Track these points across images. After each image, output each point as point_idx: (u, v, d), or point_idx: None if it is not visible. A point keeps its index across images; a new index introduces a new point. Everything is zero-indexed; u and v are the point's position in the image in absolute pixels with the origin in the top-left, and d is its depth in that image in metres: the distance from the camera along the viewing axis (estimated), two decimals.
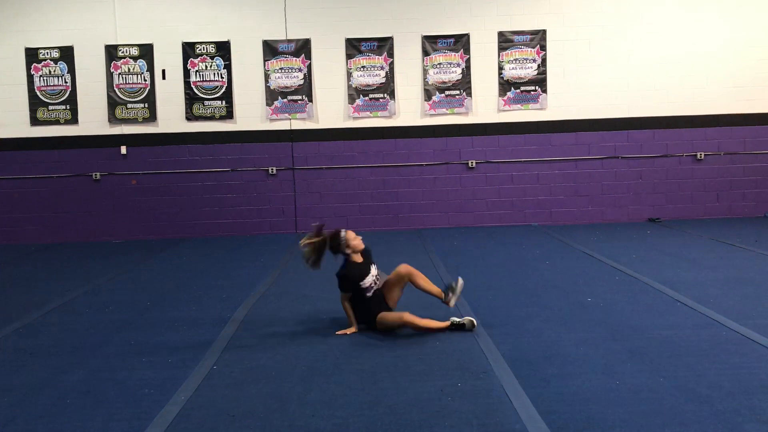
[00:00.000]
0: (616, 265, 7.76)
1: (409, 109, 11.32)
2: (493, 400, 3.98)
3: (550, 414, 3.76)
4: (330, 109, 11.26)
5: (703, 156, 11.44)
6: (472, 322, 5.37)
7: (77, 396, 4.26)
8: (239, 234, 11.33)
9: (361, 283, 5.42)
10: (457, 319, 5.42)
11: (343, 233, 5.52)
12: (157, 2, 11.09)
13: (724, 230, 10.12)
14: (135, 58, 11.13)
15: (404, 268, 5.57)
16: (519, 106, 11.32)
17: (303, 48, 11.16)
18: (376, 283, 5.52)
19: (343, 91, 11.26)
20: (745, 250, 8.53)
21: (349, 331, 5.42)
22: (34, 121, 11.15)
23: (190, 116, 11.21)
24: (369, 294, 5.46)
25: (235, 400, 4.10)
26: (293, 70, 11.19)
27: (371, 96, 11.24)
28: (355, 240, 5.53)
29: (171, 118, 11.24)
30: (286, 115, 11.23)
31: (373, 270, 5.54)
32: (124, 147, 11.22)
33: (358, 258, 5.56)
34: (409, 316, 5.27)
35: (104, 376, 4.60)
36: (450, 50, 11.22)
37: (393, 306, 5.61)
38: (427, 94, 11.26)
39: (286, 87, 11.21)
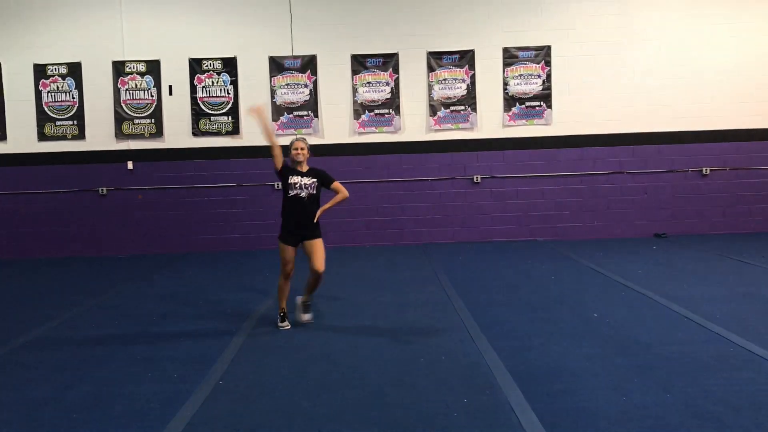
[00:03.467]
0: (622, 281, 7.74)
1: (414, 124, 11.36)
2: (499, 416, 3.97)
3: (557, 430, 3.74)
4: (336, 125, 11.30)
5: (708, 171, 11.43)
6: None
7: (83, 410, 4.26)
8: (245, 249, 11.35)
9: (290, 177, 6.00)
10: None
11: (294, 139, 6.19)
12: (164, 19, 11.19)
13: (731, 245, 10.09)
14: (142, 74, 11.21)
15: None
16: (524, 121, 11.34)
17: (309, 64, 11.23)
18: (301, 189, 5.98)
19: (348, 107, 11.31)
20: (752, 265, 8.50)
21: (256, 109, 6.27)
22: (42, 136, 11.22)
23: (197, 132, 11.26)
24: (290, 193, 5.99)
25: (240, 415, 4.10)
26: (299, 86, 11.26)
27: (377, 112, 11.28)
28: (295, 151, 6.08)
29: (177, 134, 11.30)
30: (292, 130, 11.27)
31: (306, 180, 6.02)
32: (131, 162, 11.28)
33: (302, 167, 6.10)
34: (281, 274, 6.13)
35: (110, 391, 4.60)
36: (455, 66, 11.27)
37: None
38: (433, 110, 11.30)
39: (292, 103, 11.26)
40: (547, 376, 4.61)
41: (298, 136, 6.19)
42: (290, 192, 6.00)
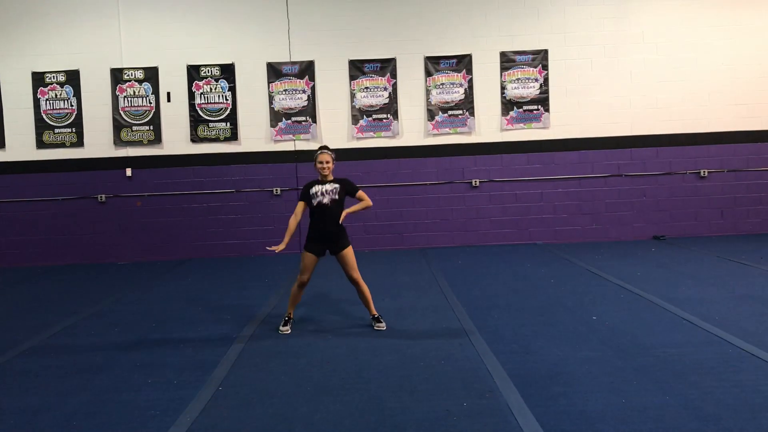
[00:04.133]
0: (621, 283, 7.75)
1: (412, 129, 11.38)
2: (499, 420, 3.98)
3: None
4: (334, 130, 11.32)
5: (706, 173, 11.46)
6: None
7: (83, 418, 4.27)
8: (244, 255, 11.35)
9: (311, 190, 6.03)
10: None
11: (319, 151, 6.10)
12: (162, 26, 11.22)
13: (729, 247, 10.11)
14: (140, 81, 11.23)
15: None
16: (522, 125, 11.36)
17: (307, 70, 11.25)
18: (323, 195, 6.01)
19: (346, 112, 11.33)
20: (751, 267, 8.51)
21: (276, 247, 5.99)
22: (41, 144, 11.24)
23: (195, 138, 11.28)
24: (314, 202, 6.02)
25: (241, 422, 4.10)
26: (297, 92, 11.28)
27: (375, 116, 11.30)
28: (320, 164, 6.06)
29: (176, 140, 11.31)
30: (290, 136, 11.30)
31: (327, 186, 6.05)
32: (130, 169, 11.29)
33: (325, 178, 6.12)
34: (297, 281, 6.14)
35: (110, 398, 4.60)
36: (452, 71, 11.30)
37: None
38: (431, 114, 11.32)
39: (290, 108, 11.28)
40: (547, 379, 4.62)
41: (323, 148, 6.16)
42: (314, 201, 6.03)
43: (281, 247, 5.98)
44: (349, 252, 6.12)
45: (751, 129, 11.42)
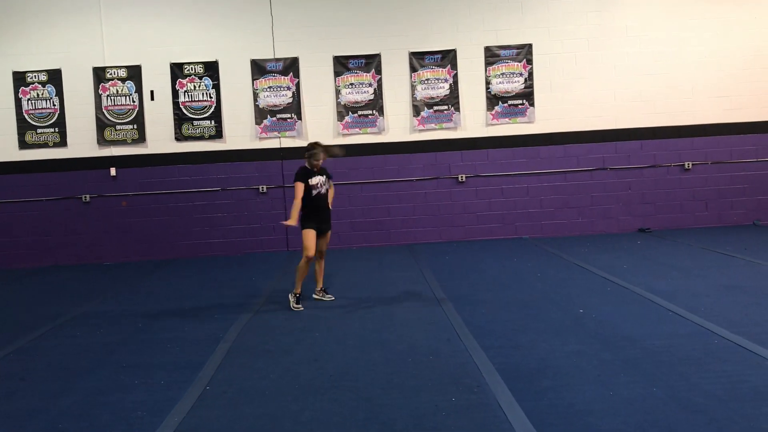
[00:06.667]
0: (608, 276, 7.78)
1: (398, 125, 11.37)
2: (487, 414, 3.98)
3: (545, 427, 3.76)
4: (319, 127, 11.29)
5: (690, 166, 11.53)
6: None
7: (70, 420, 4.23)
8: (230, 253, 11.30)
9: (310, 180, 6.97)
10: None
11: (317, 150, 7.02)
12: (144, 23, 11.13)
13: (714, 239, 10.18)
14: (123, 80, 11.14)
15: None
16: (507, 119, 11.38)
17: (291, 66, 11.21)
18: (321, 186, 7.06)
19: (332, 109, 11.30)
20: (736, 258, 8.58)
21: (288, 222, 6.86)
22: (23, 144, 11.12)
23: (179, 136, 11.21)
24: (314, 192, 6.99)
25: (229, 421, 4.08)
26: (282, 89, 11.23)
27: (360, 113, 11.28)
28: (317, 161, 7.01)
29: (160, 139, 11.24)
30: (276, 133, 11.25)
31: (322, 178, 7.11)
32: (114, 168, 11.20)
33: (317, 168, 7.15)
34: (305, 257, 6.91)
35: (97, 400, 4.57)
36: (437, 66, 11.29)
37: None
38: (416, 110, 11.31)
39: (275, 105, 11.24)
40: (535, 373, 4.63)
41: (318, 145, 7.17)
42: (314, 192, 7.00)
43: (293, 222, 6.82)
44: (330, 232, 7.32)
45: (734, 121, 11.50)
